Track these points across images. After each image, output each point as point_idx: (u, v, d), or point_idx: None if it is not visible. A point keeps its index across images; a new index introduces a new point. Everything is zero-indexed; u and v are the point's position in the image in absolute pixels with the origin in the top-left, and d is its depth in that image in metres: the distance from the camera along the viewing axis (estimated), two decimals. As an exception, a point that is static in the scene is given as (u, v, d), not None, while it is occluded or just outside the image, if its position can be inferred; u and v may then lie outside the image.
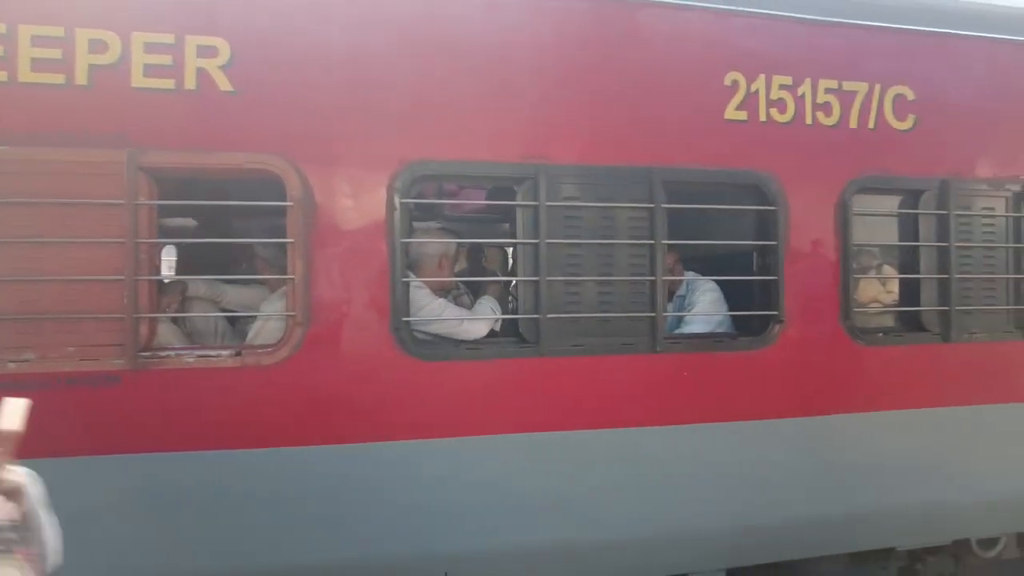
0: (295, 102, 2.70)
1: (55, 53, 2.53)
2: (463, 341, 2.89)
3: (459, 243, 3.26)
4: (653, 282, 2.91)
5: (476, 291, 3.37)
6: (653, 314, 2.90)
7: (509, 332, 3.03)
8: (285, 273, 2.68)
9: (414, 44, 2.81)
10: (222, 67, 2.64)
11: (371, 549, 2.71)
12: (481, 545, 2.78)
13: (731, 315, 3.25)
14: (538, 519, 2.84)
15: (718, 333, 3.25)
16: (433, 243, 3.06)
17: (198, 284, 2.98)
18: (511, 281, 3.49)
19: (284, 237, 2.70)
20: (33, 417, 2.48)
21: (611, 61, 2.97)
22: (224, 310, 3.12)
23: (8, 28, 2.50)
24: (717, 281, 3.41)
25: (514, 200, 2.89)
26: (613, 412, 2.89)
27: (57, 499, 2.52)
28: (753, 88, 3.12)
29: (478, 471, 2.79)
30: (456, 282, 3.30)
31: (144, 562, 2.56)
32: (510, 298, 3.68)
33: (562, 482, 2.84)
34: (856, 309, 3.23)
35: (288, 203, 2.63)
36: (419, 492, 2.73)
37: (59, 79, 2.53)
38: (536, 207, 2.82)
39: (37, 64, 2.51)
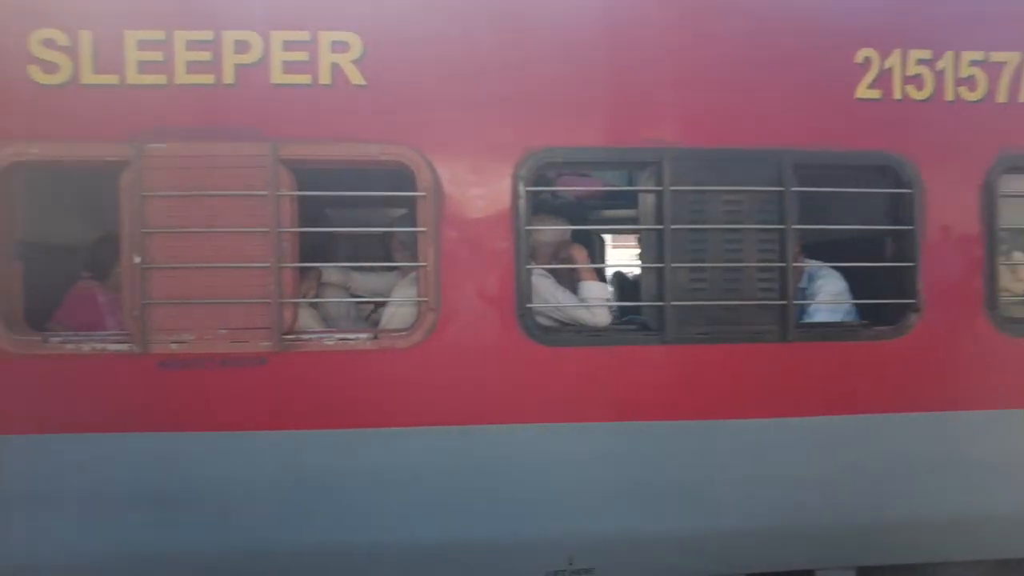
0: (422, 93, 2.77)
1: (206, 55, 2.70)
2: (585, 328, 2.90)
3: (576, 230, 3.27)
4: (783, 269, 2.82)
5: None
6: (784, 302, 2.81)
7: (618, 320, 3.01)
8: (417, 259, 2.77)
9: (536, 32, 2.82)
10: (354, 61, 2.74)
11: (497, 531, 2.77)
12: (606, 531, 2.79)
13: (865, 303, 3.09)
14: (663, 507, 2.82)
15: (847, 323, 3.12)
16: (550, 230, 3.08)
17: (331, 271, 3.13)
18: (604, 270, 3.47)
19: (409, 226, 2.79)
20: (193, 393, 2.72)
21: (736, 41, 2.89)
22: (352, 295, 3.26)
23: (166, 34, 2.69)
24: (844, 268, 3.26)
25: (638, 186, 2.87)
26: (740, 402, 2.83)
27: (211, 471, 2.75)
28: (887, 64, 2.95)
29: (601, 457, 2.80)
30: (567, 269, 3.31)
31: (285, 534, 2.73)
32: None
33: (688, 471, 2.82)
34: (1005, 297, 3.01)
35: (420, 193, 2.71)
36: (543, 475, 2.77)
37: (209, 79, 2.71)
38: (660, 192, 2.79)
39: (191, 66, 2.69)
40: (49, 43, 2.65)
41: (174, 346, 2.66)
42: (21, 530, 2.71)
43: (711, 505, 2.82)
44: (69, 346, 2.69)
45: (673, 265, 2.78)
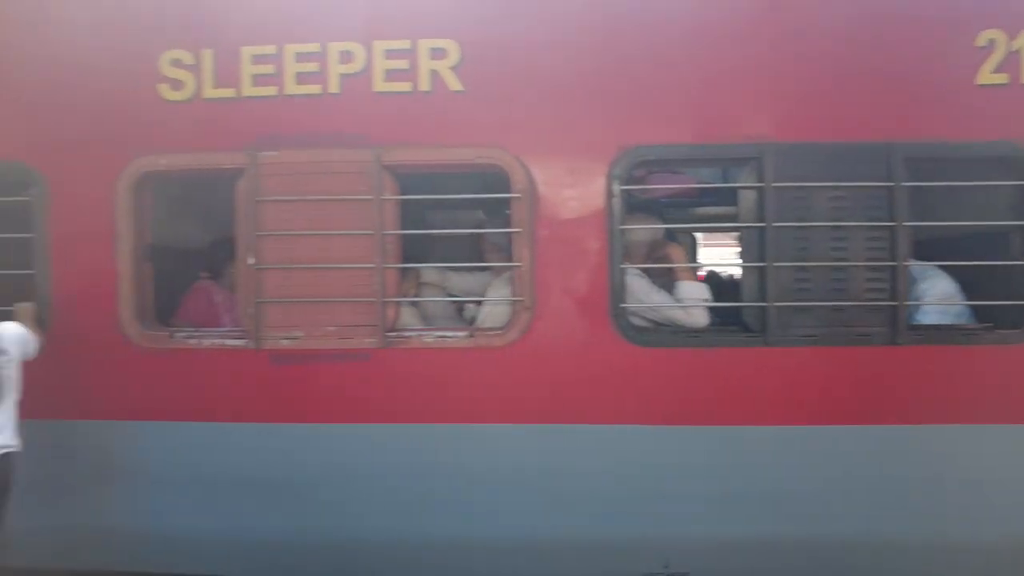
0: (517, 97, 2.81)
1: (313, 66, 2.85)
2: (682, 329, 2.86)
3: (669, 229, 3.22)
4: (894, 268, 2.68)
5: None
6: (894, 303, 2.67)
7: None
8: (512, 260, 2.82)
9: (629, 30, 2.80)
10: (452, 67, 2.81)
11: (590, 531, 2.78)
12: (703, 535, 2.74)
13: (984, 305, 2.88)
14: (760, 513, 2.74)
15: (964, 325, 2.92)
16: (645, 229, 3.05)
17: (429, 271, 3.24)
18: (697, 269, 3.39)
19: (504, 227, 2.84)
20: (302, 386, 2.87)
21: (840, 28, 2.76)
22: (448, 295, 3.35)
23: (277, 48, 2.85)
24: (959, 268, 3.05)
25: (737, 183, 2.80)
26: (845, 408, 2.71)
27: (317, 461, 2.90)
28: (1015, 47, 2.74)
29: (698, 460, 2.75)
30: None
31: (384, 524, 2.84)
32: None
33: (788, 478, 2.72)
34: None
35: (515, 194, 2.76)
36: (638, 477, 2.76)
37: (316, 89, 2.85)
38: (762, 189, 2.71)
39: (300, 77, 2.85)
40: (176, 63, 2.88)
41: (285, 342, 2.83)
42: (146, 505, 2.96)
43: (811, 513, 2.72)
44: (192, 341, 2.91)
45: (775, 264, 2.69)
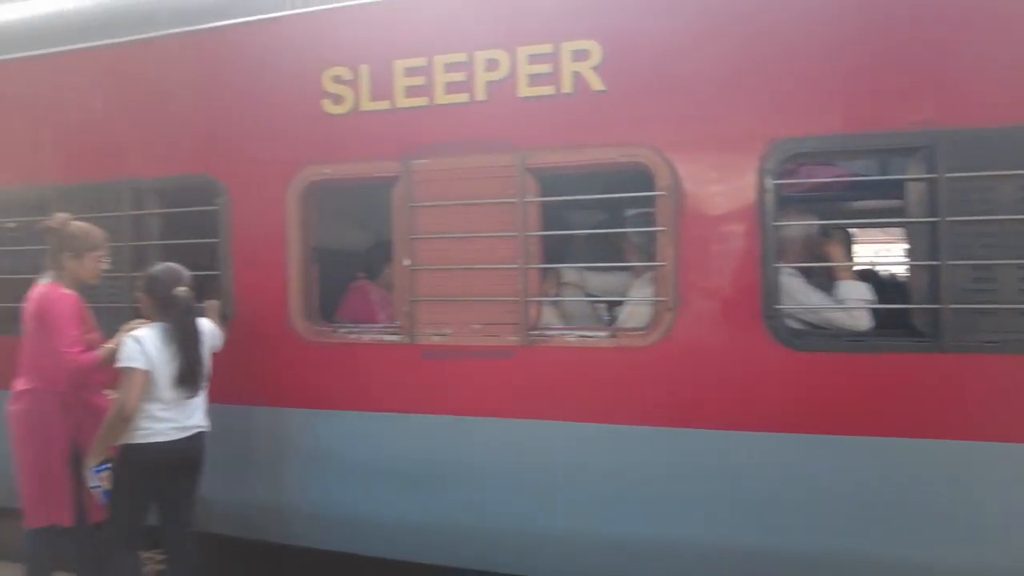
0: (660, 93, 2.77)
1: (461, 76, 2.97)
2: (843, 332, 2.68)
3: (827, 225, 3.03)
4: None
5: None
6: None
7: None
8: (652, 260, 2.79)
9: (775, 16, 2.66)
10: (594, 68, 2.82)
11: (730, 538, 2.68)
12: (856, 549, 2.56)
13: None
14: (925, 531, 2.51)
15: None
16: (799, 226, 2.89)
17: (569, 271, 3.28)
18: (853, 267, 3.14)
19: (651, 226, 2.81)
20: (451, 380, 3.01)
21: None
22: (587, 295, 3.37)
23: (427, 60, 3.01)
24: None
25: (903, 174, 2.58)
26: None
27: (463, 453, 3.03)
28: None
29: (861, 474, 2.56)
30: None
31: (523, 519, 2.91)
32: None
33: (959, 496, 2.47)
34: None
35: (660, 192, 2.72)
36: (788, 487, 2.62)
37: (464, 97, 2.97)
38: (935, 180, 2.48)
39: (449, 87, 2.98)
40: (337, 79, 3.12)
41: (436, 338, 2.98)
42: (311, 485, 3.23)
43: (996, 537, 2.45)
44: (352, 336, 3.15)
45: (950, 263, 2.45)
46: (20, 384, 3.00)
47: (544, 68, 2.87)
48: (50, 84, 3.75)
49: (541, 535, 2.91)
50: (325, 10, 3.16)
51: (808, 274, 2.84)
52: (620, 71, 2.80)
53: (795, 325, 2.72)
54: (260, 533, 3.38)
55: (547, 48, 2.87)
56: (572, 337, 2.86)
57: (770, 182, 2.62)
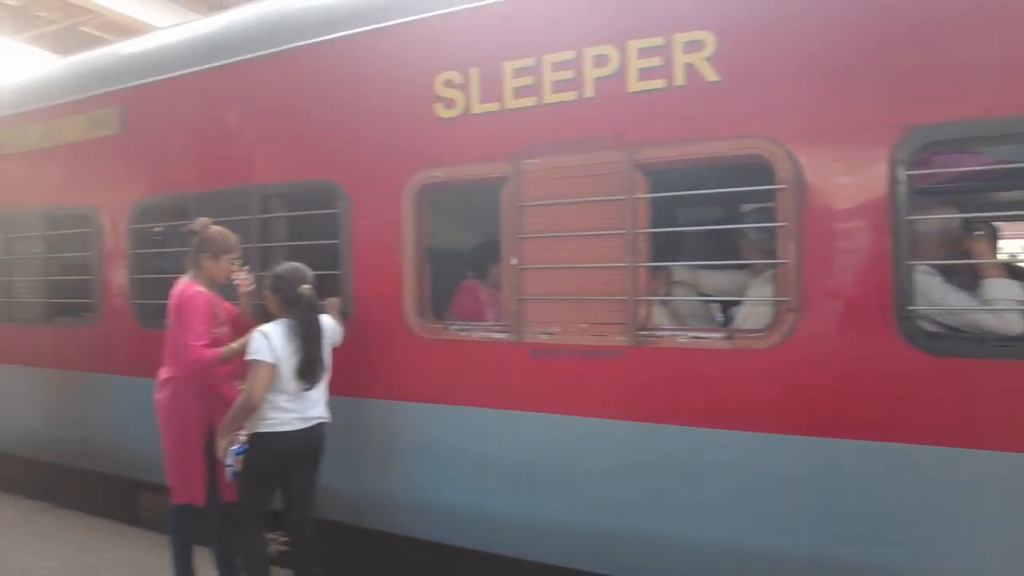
0: (780, 82, 2.62)
1: (569, 74, 2.96)
2: (991, 336, 2.43)
3: (970, 219, 2.76)
4: None
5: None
6: None
7: None
8: (772, 257, 2.65)
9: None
10: (708, 59, 2.72)
11: (857, 554, 2.50)
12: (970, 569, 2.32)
13: None
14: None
15: None
16: (937, 220, 2.65)
17: (680, 269, 3.19)
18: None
19: (768, 222, 2.68)
20: (559, 379, 3.00)
21: None
22: (700, 294, 3.27)
23: (535, 60, 3.02)
24: None
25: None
26: None
27: (568, 451, 3.02)
28: None
29: (999, 493, 2.32)
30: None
31: (627, 520, 2.86)
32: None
33: None
34: None
35: (780, 186, 2.59)
36: (926, 500, 2.41)
37: (572, 95, 2.96)
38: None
39: (557, 86, 2.98)
40: (448, 83, 3.20)
41: (543, 337, 2.99)
42: (419, 476, 3.34)
43: None
44: (462, 333, 3.22)
45: None
46: (163, 373, 3.30)
47: (655, 61, 2.81)
48: (192, 101, 4.11)
49: (648, 538, 2.84)
50: (437, 15, 3.25)
51: (948, 272, 2.60)
52: (736, 60, 2.68)
53: (932, 328, 2.50)
54: (373, 522, 3.53)
55: (658, 41, 2.80)
56: (684, 338, 2.77)
57: (903, 173, 2.42)
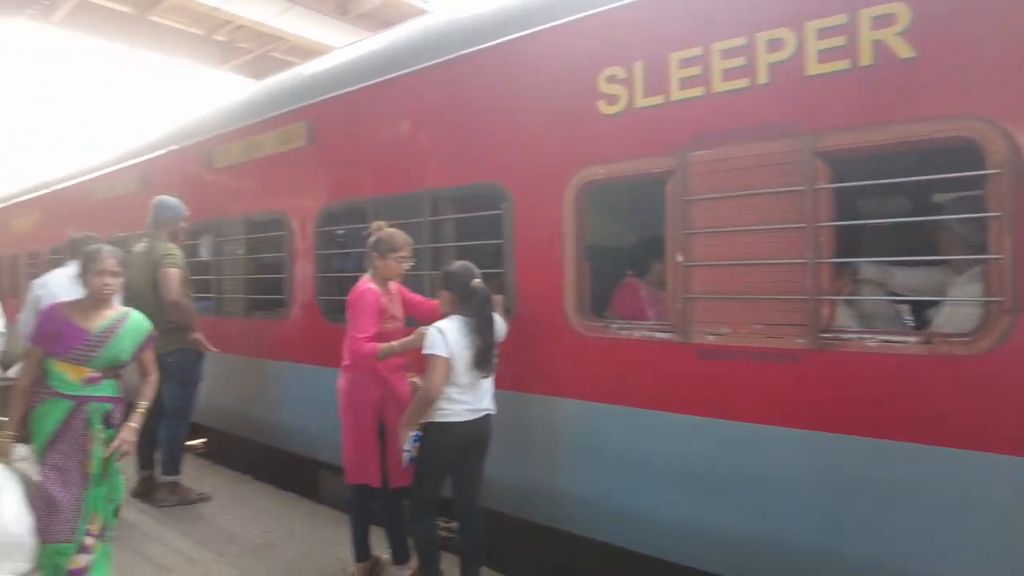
0: (994, 52, 2.31)
1: (740, 61, 2.82)
2: None
3: None
4: None
5: None
6: None
7: None
8: (978, 252, 2.35)
9: None
10: (901, 33, 2.46)
11: None
12: None
13: None
14: None
15: None
16: None
17: (868, 267, 2.92)
18: None
19: (975, 211, 2.37)
20: (727, 383, 2.87)
21: None
22: (890, 293, 2.97)
23: (703, 49, 2.91)
24: None
25: None
26: None
27: (736, 459, 2.87)
28: None
29: None
30: None
31: (790, 533, 2.66)
32: None
33: None
34: None
35: (992, 171, 2.28)
36: None
37: (744, 83, 2.81)
38: None
39: (726, 74, 2.85)
40: (612, 79, 3.18)
41: (711, 338, 2.87)
42: (577, 472, 3.35)
43: None
44: (623, 332, 3.18)
45: None
46: (344, 361, 3.58)
47: (837, 41, 2.59)
48: (369, 113, 4.44)
49: (821, 556, 2.63)
50: (600, 12, 3.24)
51: None
52: (935, 33, 2.40)
53: None
54: (530, 514, 3.59)
55: (840, 19, 2.58)
56: (873, 341, 2.53)
57: None
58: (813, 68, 2.65)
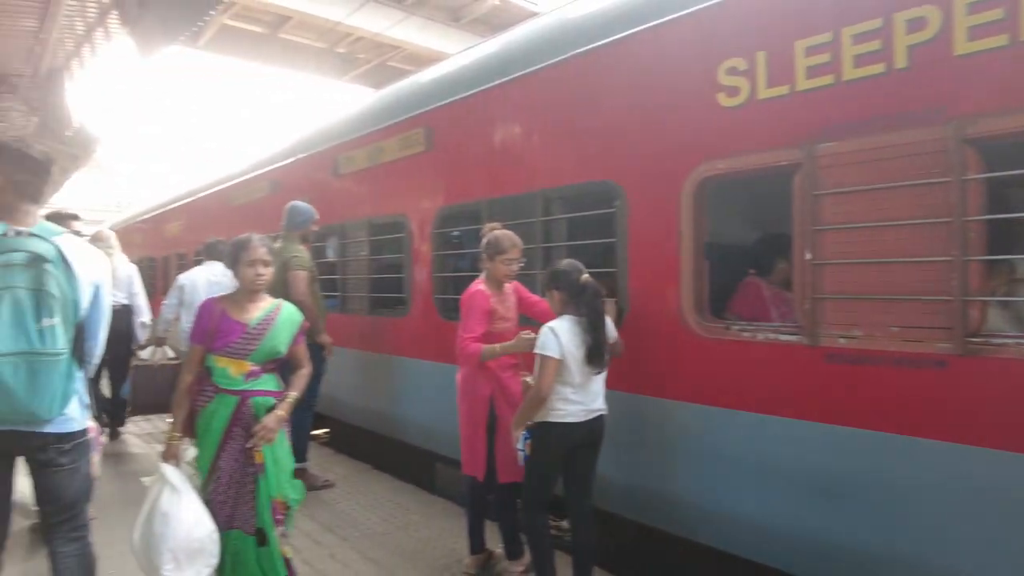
0: None
1: (874, 45, 2.63)
2: None
3: None
4: None
5: None
6: None
7: None
8: None
9: None
10: (1072, 2, 2.20)
11: None
12: None
13: None
14: None
15: None
16: None
17: (1024, 265, 2.64)
18: None
19: None
20: (861, 390, 2.69)
21: None
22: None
23: (833, 35, 2.73)
24: None
25: None
26: None
27: (868, 469, 2.67)
28: None
29: None
30: None
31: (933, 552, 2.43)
32: None
33: None
34: None
35: None
36: None
37: (879, 68, 2.62)
38: None
39: (859, 60, 2.66)
40: (732, 70, 3.06)
41: (842, 341, 2.69)
42: (690, 479, 3.26)
43: None
44: (746, 334, 3.05)
45: None
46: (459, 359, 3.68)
47: (993, 15, 2.35)
48: (484, 116, 4.54)
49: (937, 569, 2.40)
50: (718, 3, 3.13)
51: None
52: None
53: None
54: (643, 517, 3.53)
55: (996, -9, 2.34)
56: (1033, 346, 2.28)
57: None
58: (963, 47, 2.42)
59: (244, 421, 2.97)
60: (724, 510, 3.14)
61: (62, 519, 2.55)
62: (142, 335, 6.01)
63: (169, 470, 2.84)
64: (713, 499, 3.19)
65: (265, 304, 3.14)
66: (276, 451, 3.03)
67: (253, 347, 3.00)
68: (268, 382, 3.08)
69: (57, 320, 2.31)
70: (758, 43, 2.98)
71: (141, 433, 6.91)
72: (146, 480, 2.86)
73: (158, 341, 5.84)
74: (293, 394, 3.11)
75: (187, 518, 2.74)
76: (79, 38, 9.54)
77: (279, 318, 3.11)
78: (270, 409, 3.00)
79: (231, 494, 2.96)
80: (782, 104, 2.90)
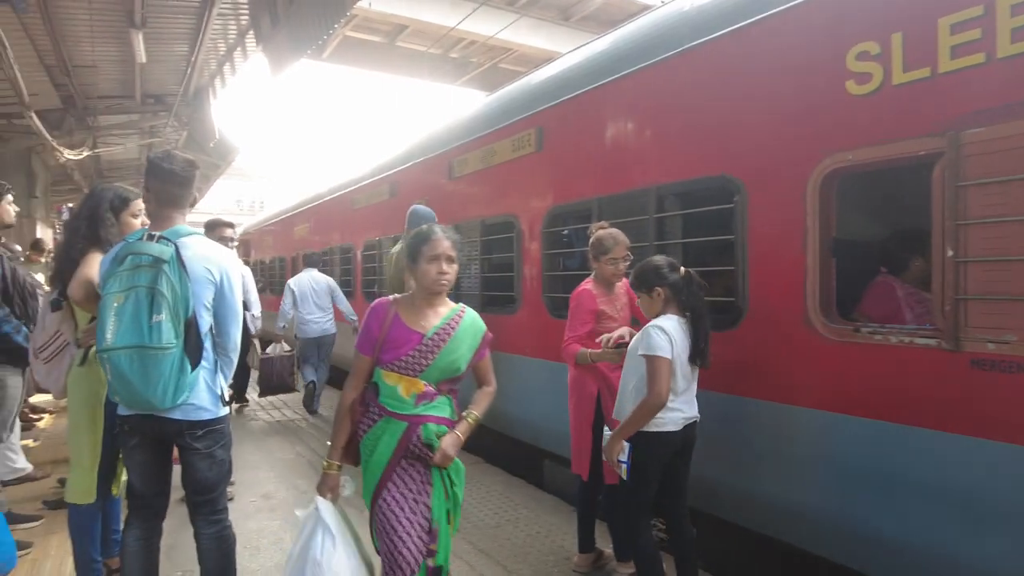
0: None
1: (1035, 17, 2.37)
2: None
3: None
4: None
5: None
6: None
7: None
8: None
9: None
10: None
11: None
12: None
13: None
14: None
15: None
16: None
17: None
18: None
19: None
20: (1013, 400, 2.44)
21: None
22: None
23: (985, 8, 2.49)
24: None
25: None
26: None
27: (1009, 490, 2.41)
28: None
29: None
30: None
31: None
32: None
33: None
34: None
35: None
36: None
37: (1044, 43, 2.36)
38: None
39: (1017, 34, 2.40)
40: (863, 56, 2.86)
41: (991, 346, 2.45)
42: (815, 489, 3.07)
43: None
44: (878, 337, 2.84)
45: None
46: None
47: None
48: (595, 114, 4.52)
49: None
50: (849, -16, 2.94)
51: None
52: None
53: None
54: (755, 525, 3.37)
55: None
56: None
57: None
58: None
59: (413, 452, 2.48)
60: (851, 526, 2.94)
61: (200, 500, 2.79)
62: (253, 327, 6.77)
63: (325, 507, 2.49)
64: (834, 510, 2.99)
65: (445, 309, 2.63)
66: (453, 478, 2.56)
67: (428, 362, 2.50)
68: (443, 407, 2.56)
69: (164, 316, 2.50)
70: (893, 24, 2.76)
71: (264, 404, 8.75)
72: (300, 513, 2.56)
73: (276, 338, 6.49)
74: (474, 413, 2.62)
75: (340, 572, 2.39)
76: (221, 58, 10.45)
77: (461, 326, 2.60)
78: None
79: (400, 534, 2.45)
80: (922, 89, 2.67)
